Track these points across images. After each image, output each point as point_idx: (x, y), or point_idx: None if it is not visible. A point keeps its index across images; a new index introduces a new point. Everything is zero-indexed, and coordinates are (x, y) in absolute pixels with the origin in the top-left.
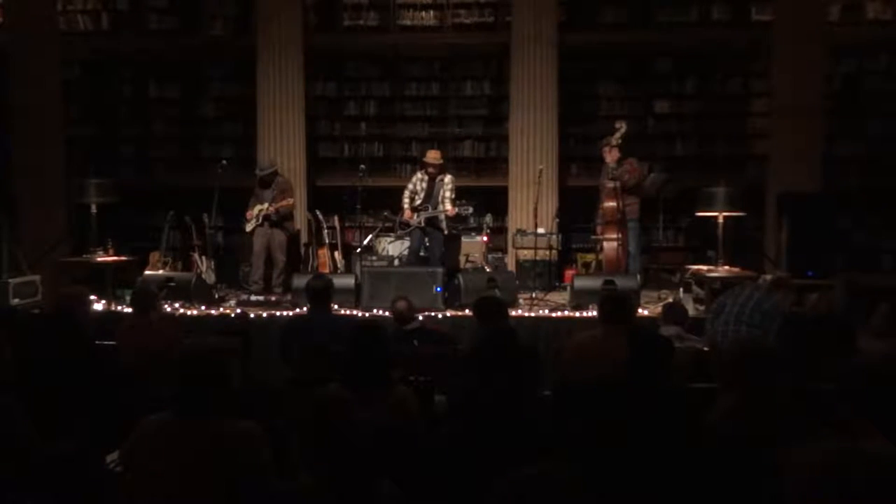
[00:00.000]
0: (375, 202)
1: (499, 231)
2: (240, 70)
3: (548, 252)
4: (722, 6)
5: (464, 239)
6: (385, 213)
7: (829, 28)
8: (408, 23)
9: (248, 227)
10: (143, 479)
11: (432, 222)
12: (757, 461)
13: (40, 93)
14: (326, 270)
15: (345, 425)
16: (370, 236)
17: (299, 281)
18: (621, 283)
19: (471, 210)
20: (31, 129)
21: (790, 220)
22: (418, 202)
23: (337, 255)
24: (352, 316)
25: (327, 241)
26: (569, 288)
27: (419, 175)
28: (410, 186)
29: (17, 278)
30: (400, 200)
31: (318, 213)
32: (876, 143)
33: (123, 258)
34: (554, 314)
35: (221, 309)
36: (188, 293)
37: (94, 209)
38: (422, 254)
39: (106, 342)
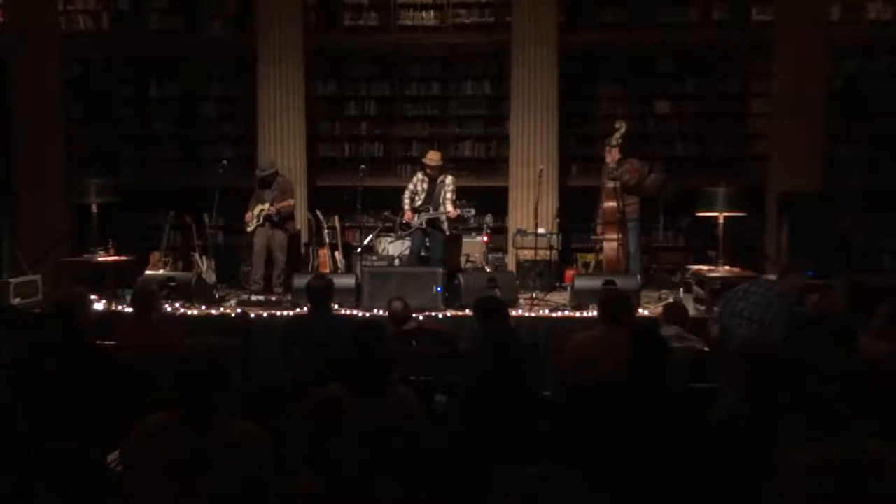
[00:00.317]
0: (376, 202)
1: (499, 231)
2: (240, 70)
3: (548, 252)
4: (722, 6)
5: (464, 239)
6: (385, 214)
7: (830, 28)
8: (408, 23)
9: (250, 227)
10: (143, 479)
11: (433, 223)
12: (757, 461)
13: (41, 92)
14: (327, 270)
15: (345, 425)
16: (370, 236)
17: (300, 281)
18: (622, 283)
19: (473, 212)
20: (32, 129)
21: (790, 221)
22: (419, 203)
23: (337, 255)
24: (352, 316)
25: (328, 241)
26: (569, 288)
27: (419, 176)
28: (411, 187)
29: (18, 278)
30: (400, 200)
31: (318, 213)
32: (876, 144)
33: (124, 258)
34: (554, 314)
35: (222, 309)
36: (189, 293)
37: (94, 209)
38: (423, 254)
39: (106, 342)
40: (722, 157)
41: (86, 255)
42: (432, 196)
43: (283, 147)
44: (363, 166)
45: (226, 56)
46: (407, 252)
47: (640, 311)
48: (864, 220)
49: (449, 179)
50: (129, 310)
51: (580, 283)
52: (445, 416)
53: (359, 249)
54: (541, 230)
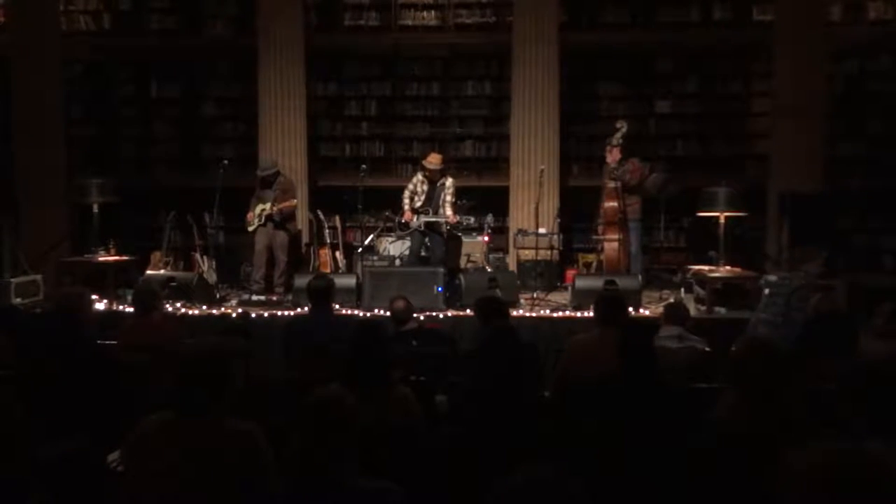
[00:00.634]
0: (376, 202)
1: (500, 231)
2: (241, 70)
3: (549, 252)
4: (723, 6)
5: (465, 239)
6: (386, 213)
7: (831, 28)
8: (409, 23)
9: (251, 227)
10: (143, 478)
11: (432, 226)
12: (757, 461)
13: (41, 92)
14: (328, 270)
15: (346, 425)
16: (371, 236)
17: (300, 281)
18: (622, 283)
19: (472, 220)
20: (33, 129)
21: (791, 220)
22: (418, 204)
23: (338, 254)
24: (353, 316)
25: (328, 240)
26: (570, 288)
27: (419, 177)
28: (410, 187)
29: (19, 278)
30: (400, 200)
31: (319, 213)
32: (877, 144)
33: (125, 258)
34: (555, 314)
35: (223, 309)
36: (190, 293)
37: (95, 209)
38: (423, 254)
39: (107, 342)
40: (723, 157)
41: (87, 255)
42: (432, 198)
43: (284, 147)
44: (364, 166)
45: (226, 56)
46: (407, 252)
47: (642, 311)
48: (864, 220)
49: (449, 182)
50: (130, 310)
51: (581, 283)
52: (446, 415)
53: (359, 249)
54: (542, 230)
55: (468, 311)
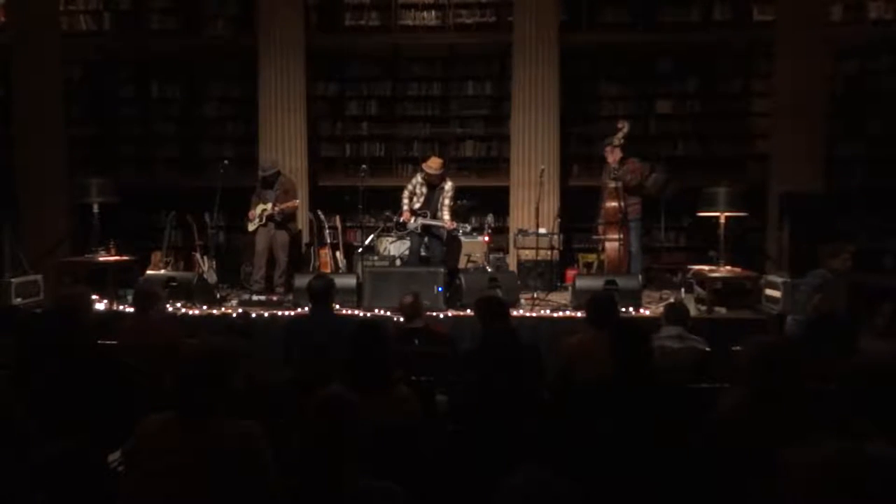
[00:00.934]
0: (377, 202)
1: (500, 231)
2: (241, 70)
3: (549, 252)
4: (723, 6)
5: (465, 239)
6: (386, 213)
7: (831, 28)
8: (409, 23)
9: (251, 227)
10: (144, 478)
11: (429, 229)
12: (758, 460)
13: (42, 92)
14: (328, 270)
15: (350, 425)
16: (371, 236)
17: (301, 281)
18: (623, 283)
19: (468, 228)
20: (33, 129)
21: (791, 221)
22: (416, 205)
23: (338, 254)
24: (353, 316)
25: (329, 240)
26: (570, 288)
27: (419, 178)
28: (410, 187)
29: (19, 278)
30: (400, 200)
31: (319, 213)
32: (877, 144)
33: (125, 258)
34: (555, 314)
35: (223, 309)
36: (190, 293)
37: (95, 209)
38: (423, 253)
39: (107, 342)
40: (723, 157)
41: (87, 255)
42: (431, 201)
43: (284, 147)
44: (364, 166)
45: (227, 56)
46: (407, 252)
47: (642, 311)
48: (865, 221)
49: (448, 186)
50: (130, 310)
51: (581, 283)
52: (446, 415)
53: (360, 249)
54: (542, 230)
55: (468, 311)
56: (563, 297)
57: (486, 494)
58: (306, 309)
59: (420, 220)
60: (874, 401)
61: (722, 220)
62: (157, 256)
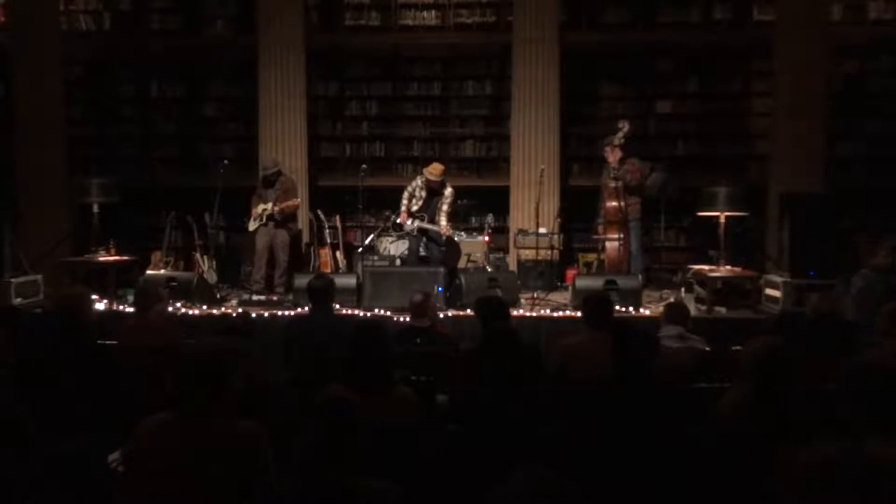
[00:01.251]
0: (377, 202)
1: (500, 231)
2: (241, 70)
3: (549, 252)
4: (723, 6)
5: (465, 239)
6: (386, 213)
7: (831, 28)
8: (409, 22)
9: (252, 227)
10: (144, 478)
11: (426, 232)
12: (758, 460)
13: (42, 92)
14: (328, 270)
15: (352, 426)
16: (371, 236)
17: (301, 281)
18: (623, 282)
19: (464, 235)
20: (33, 129)
21: (792, 220)
22: (415, 208)
23: (338, 254)
24: (353, 316)
25: (329, 240)
26: (570, 288)
27: (419, 182)
28: (410, 189)
29: (19, 278)
30: (400, 199)
31: (319, 212)
32: (877, 143)
33: (125, 258)
34: (555, 314)
35: (223, 309)
36: (190, 293)
37: (95, 209)
38: (422, 253)
39: (107, 342)
40: (723, 157)
41: (87, 255)
42: (430, 205)
43: (284, 147)
44: (364, 166)
45: (227, 56)
46: (406, 252)
47: (642, 310)
48: (865, 220)
49: (448, 192)
50: (130, 310)
51: (581, 282)
52: (447, 415)
53: (360, 249)
54: (542, 230)
55: (468, 310)
56: (563, 296)
57: (485, 494)
58: (306, 309)
59: (417, 223)
60: (874, 401)
61: (722, 220)
62: (157, 256)
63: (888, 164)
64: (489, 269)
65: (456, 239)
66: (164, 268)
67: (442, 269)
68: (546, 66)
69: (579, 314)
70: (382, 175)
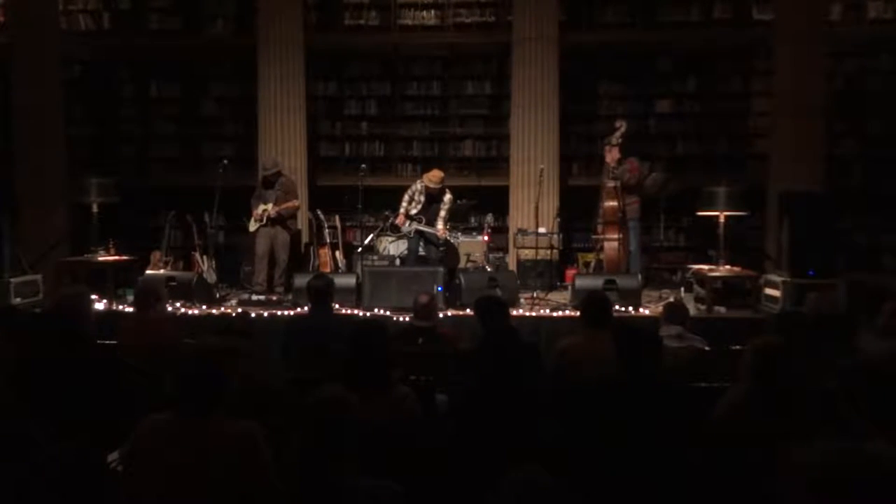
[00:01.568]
0: (376, 202)
1: (500, 230)
2: (240, 70)
3: (549, 251)
4: (723, 6)
5: (465, 238)
6: (386, 213)
7: (831, 27)
8: (409, 22)
9: (252, 228)
10: (143, 478)
11: (426, 235)
12: (758, 459)
13: (41, 92)
14: (327, 270)
15: (347, 424)
16: (371, 236)
17: (300, 280)
18: (622, 282)
19: (459, 237)
20: (32, 129)
21: (791, 220)
22: (414, 211)
23: (338, 254)
24: (353, 315)
25: (328, 240)
26: (570, 287)
27: (418, 186)
28: (410, 192)
29: (19, 278)
30: (400, 200)
31: (319, 212)
32: (877, 143)
33: (124, 258)
34: (555, 314)
35: (222, 308)
36: (189, 293)
37: (95, 209)
38: (420, 252)
39: (107, 342)
40: (723, 157)
41: (86, 255)
42: (428, 209)
43: (284, 146)
44: (364, 166)
45: (226, 56)
46: (406, 252)
47: (642, 310)
48: (864, 220)
49: (447, 198)
50: (130, 309)
51: (581, 282)
52: (446, 415)
53: (359, 249)
54: (541, 229)
55: (468, 310)
56: (562, 296)
57: (485, 494)
58: (306, 308)
59: (414, 226)
60: (874, 401)
61: (721, 220)
62: (156, 256)
63: (888, 164)
64: (489, 269)
65: (452, 241)
66: (164, 267)
67: (441, 269)
68: (546, 66)
69: (579, 314)
70: (382, 175)
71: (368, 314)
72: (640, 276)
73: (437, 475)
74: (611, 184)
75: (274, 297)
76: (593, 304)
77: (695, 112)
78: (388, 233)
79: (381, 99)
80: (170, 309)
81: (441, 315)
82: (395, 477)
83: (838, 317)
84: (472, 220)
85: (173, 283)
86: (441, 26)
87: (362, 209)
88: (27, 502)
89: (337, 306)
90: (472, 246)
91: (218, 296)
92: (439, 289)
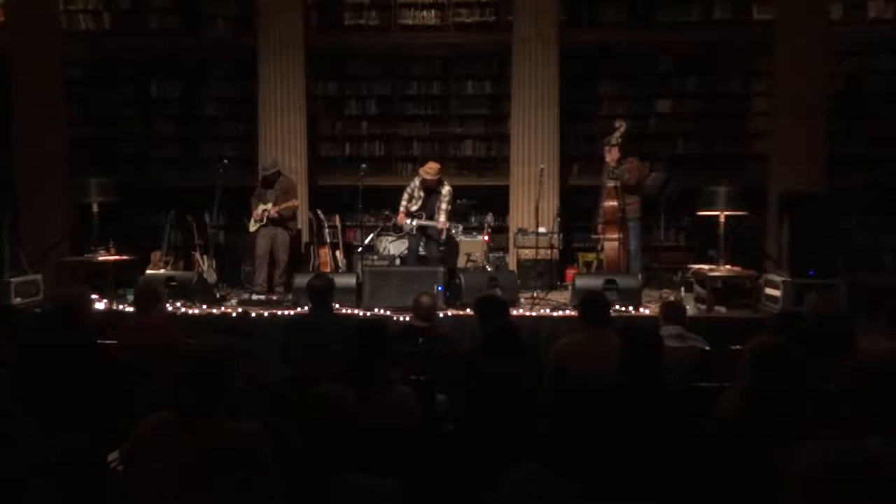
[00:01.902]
0: (376, 201)
1: (500, 230)
2: (241, 69)
3: (549, 251)
4: (723, 5)
5: (465, 238)
6: (386, 213)
7: (831, 27)
8: (409, 22)
9: (252, 228)
10: (143, 478)
11: (424, 230)
12: (758, 460)
13: (42, 92)
14: (328, 270)
15: (346, 422)
16: (371, 235)
17: (300, 280)
18: (623, 282)
19: (460, 227)
20: (33, 129)
21: (791, 220)
22: (414, 208)
23: (338, 254)
24: (353, 315)
25: (328, 240)
26: (570, 287)
27: (416, 182)
28: (408, 190)
29: (19, 277)
30: (399, 200)
31: (319, 212)
32: (877, 143)
33: (125, 257)
34: (555, 313)
35: (223, 308)
36: (189, 292)
37: (95, 208)
38: (420, 253)
39: (107, 341)
40: (723, 157)
41: (87, 255)
42: (428, 204)
43: (284, 146)
44: (364, 165)
45: (226, 55)
46: (406, 252)
47: (642, 310)
48: (865, 220)
49: (445, 190)
50: (130, 309)
51: (581, 282)
52: (446, 415)
53: (360, 249)
54: (542, 229)
55: (468, 310)
56: (562, 296)
57: (485, 494)
58: (306, 308)
59: (415, 222)
60: (874, 401)
61: (722, 219)
62: (156, 256)
63: (888, 164)
64: (489, 269)
65: (453, 232)
66: (164, 267)
67: (441, 269)
68: (546, 66)
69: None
70: (382, 174)
71: (368, 314)
72: (640, 276)
73: (437, 475)
74: (611, 184)
75: (274, 297)
76: (592, 303)
77: (695, 112)
78: (389, 232)
79: (381, 99)
80: (170, 309)
81: (441, 315)
82: (395, 476)
83: (838, 317)
84: (473, 219)
85: (173, 283)
86: (441, 26)
87: (362, 209)
88: (27, 502)
89: (337, 306)
90: (473, 246)
91: (218, 296)
92: (439, 288)
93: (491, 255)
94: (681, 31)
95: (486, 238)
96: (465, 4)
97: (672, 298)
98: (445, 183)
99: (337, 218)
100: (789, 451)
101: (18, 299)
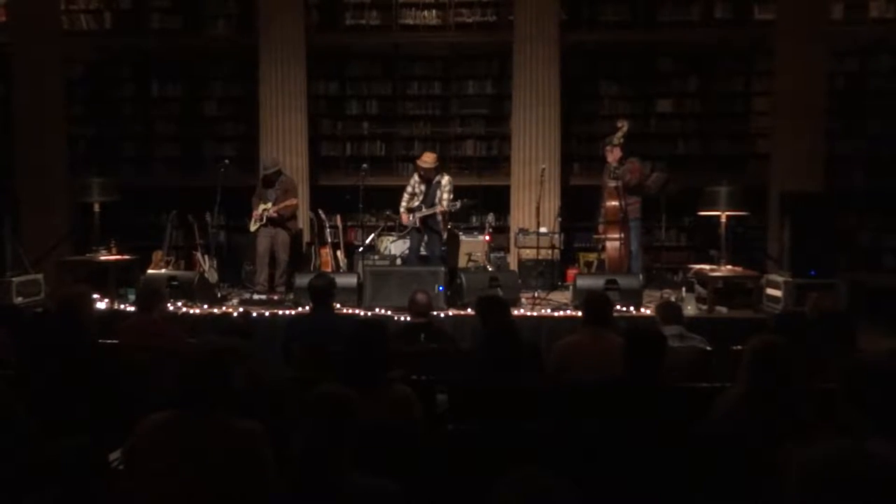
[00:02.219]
0: (377, 201)
1: (501, 230)
2: (242, 69)
3: (550, 251)
4: (724, 5)
5: (466, 238)
6: (387, 213)
7: (832, 27)
8: (410, 22)
9: (253, 228)
10: (144, 477)
11: (428, 224)
12: (757, 460)
13: (43, 92)
14: (329, 269)
15: (347, 421)
16: (372, 235)
17: (301, 280)
18: (624, 282)
19: (458, 205)
20: (34, 128)
21: (792, 220)
22: (415, 204)
23: (339, 254)
24: (354, 315)
25: (329, 240)
26: (571, 287)
27: (415, 178)
28: (409, 189)
29: (20, 277)
30: (400, 200)
31: (320, 212)
32: (878, 143)
33: (126, 257)
34: (556, 313)
35: (224, 308)
36: (191, 292)
37: (96, 208)
38: (422, 252)
39: (108, 341)
40: (724, 156)
41: (88, 255)
42: (428, 196)
43: (285, 146)
44: (365, 165)
45: (227, 55)
46: (407, 251)
47: (643, 310)
48: (865, 220)
49: (445, 179)
50: (131, 309)
51: (582, 282)
52: (447, 414)
53: (360, 249)
54: (543, 229)
55: (469, 310)
56: (563, 296)
57: (485, 494)
58: (307, 308)
59: (416, 214)
60: (874, 401)
61: (723, 220)
62: (157, 256)
63: (888, 164)
64: (490, 269)
65: (452, 210)
66: (165, 267)
67: (443, 269)
68: (546, 66)
69: (580, 314)
70: (383, 174)
71: (369, 314)
72: (641, 276)
73: (437, 475)
74: (612, 184)
75: (275, 297)
76: (594, 303)
77: (695, 112)
78: (390, 232)
79: (382, 98)
80: (171, 309)
81: (441, 315)
82: (395, 476)
83: (838, 317)
84: (474, 219)
85: (175, 283)
86: (442, 26)
87: (363, 209)
88: (27, 502)
89: (338, 306)
90: (474, 245)
91: (219, 295)
92: (440, 288)
93: (492, 254)
94: (681, 31)
95: (488, 238)
96: (466, 4)
97: (673, 298)
98: (444, 174)
99: (338, 218)
100: (789, 451)
101: (20, 299)
